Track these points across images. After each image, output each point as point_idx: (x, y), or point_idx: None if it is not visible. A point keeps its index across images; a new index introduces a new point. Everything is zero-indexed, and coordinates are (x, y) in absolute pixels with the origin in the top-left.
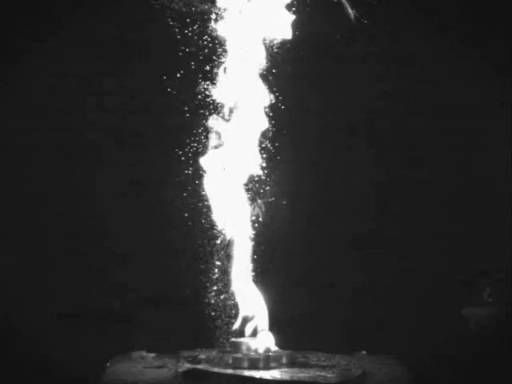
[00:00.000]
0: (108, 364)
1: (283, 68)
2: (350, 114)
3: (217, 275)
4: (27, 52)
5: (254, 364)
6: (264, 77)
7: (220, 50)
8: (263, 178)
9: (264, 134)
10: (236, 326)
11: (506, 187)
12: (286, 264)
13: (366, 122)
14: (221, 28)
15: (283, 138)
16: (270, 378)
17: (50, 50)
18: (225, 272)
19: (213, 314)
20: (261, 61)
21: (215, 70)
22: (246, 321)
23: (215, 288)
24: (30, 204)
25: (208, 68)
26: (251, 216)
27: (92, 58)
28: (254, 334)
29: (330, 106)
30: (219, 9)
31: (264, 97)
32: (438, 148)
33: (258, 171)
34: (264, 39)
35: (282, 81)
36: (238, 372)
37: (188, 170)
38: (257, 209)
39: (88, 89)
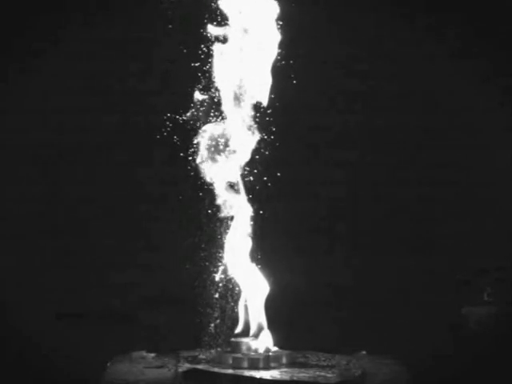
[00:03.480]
0: (108, 364)
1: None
2: (349, 113)
3: (217, 275)
4: (27, 52)
5: (254, 364)
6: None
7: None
8: (263, 178)
9: (260, 140)
10: (238, 327)
11: (505, 187)
12: (285, 264)
13: (366, 122)
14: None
15: (279, 140)
16: (270, 378)
17: (50, 49)
18: (226, 271)
19: (213, 313)
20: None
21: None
22: (247, 322)
23: (216, 287)
24: (30, 204)
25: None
26: (251, 216)
27: (92, 58)
28: (255, 334)
29: (329, 106)
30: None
31: (259, 96)
32: (438, 148)
33: (257, 171)
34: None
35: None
36: (238, 372)
37: (188, 169)
38: (257, 208)
39: (88, 89)
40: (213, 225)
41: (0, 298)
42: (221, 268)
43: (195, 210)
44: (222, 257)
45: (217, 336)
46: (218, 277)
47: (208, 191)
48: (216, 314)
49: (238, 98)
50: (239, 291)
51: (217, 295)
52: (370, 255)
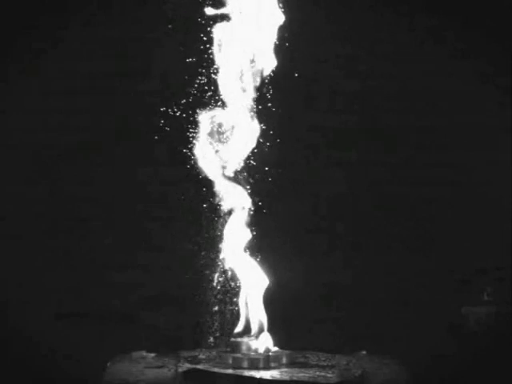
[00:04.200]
0: (108, 364)
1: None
2: (349, 113)
3: (217, 274)
4: (27, 52)
5: (254, 364)
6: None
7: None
8: (263, 169)
9: (260, 136)
10: (238, 327)
11: (505, 187)
12: (285, 264)
13: (367, 122)
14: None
15: (279, 140)
16: (270, 378)
17: (50, 49)
18: (225, 270)
19: (212, 313)
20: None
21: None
22: (247, 322)
23: (216, 287)
24: (30, 204)
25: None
26: (250, 209)
27: (92, 58)
28: (256, 335)
29: (329, 106)
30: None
31: (255, 96)
32: (438, 148)
33: (256, 174)
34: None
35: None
36: (238, 372)
37: (187, 169)
38: (256, 202)
39: (88, 89)
40: (213, 229)
41: (0, 298)
42: (220, 268)
43: (196, 208)
44: (221, 254)
45: (217, 336)
46: (216, 276)
47: (208, 185)
48: (216, 314)
49: (239, 81)
50: (239, 287)
51: (217, 295)
52: (369, 255)
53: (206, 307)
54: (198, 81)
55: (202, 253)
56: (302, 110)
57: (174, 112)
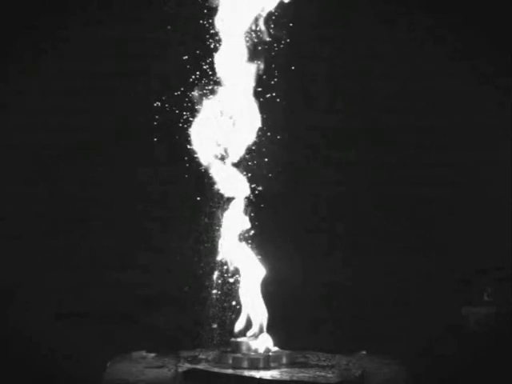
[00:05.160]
0: (108, 364)
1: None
2: (349, 113)
3: (217, 274)
4: (27, 52)
5: (254, 364)
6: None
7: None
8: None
9: (260, 135)
10: (238, 327)
11: (505, 187)
12: (285, 264)
13: (367, 122)
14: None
15: (278, 140)
16: (270, 378)
17: (50, 49)
18: (225, 270)
19: (213, 313)
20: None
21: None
22: (248, 322)
23: (216, 287)
24: (30, 204)
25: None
26: (249, 207)
27: (92, 58)
28: (256, 335)
29: (329, 106)
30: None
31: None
32: (438, 148)
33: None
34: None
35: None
36: (238, 372)
37: (188, 169)
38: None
39: (88, 89)
40: (212, 230)
41: (0, 297)
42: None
43: (196, 207)
44: (219, 244)
45: (217, 336)
46: (216, 277)
47: (208, 177)
48: (216, 314)
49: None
50: (238, 285)
51: (216, 305)
52: (369, 255)
53: (206, 311)
54: (197, 73)
55: (202, 260)
56: (302, 109)
57: (174, 110)
